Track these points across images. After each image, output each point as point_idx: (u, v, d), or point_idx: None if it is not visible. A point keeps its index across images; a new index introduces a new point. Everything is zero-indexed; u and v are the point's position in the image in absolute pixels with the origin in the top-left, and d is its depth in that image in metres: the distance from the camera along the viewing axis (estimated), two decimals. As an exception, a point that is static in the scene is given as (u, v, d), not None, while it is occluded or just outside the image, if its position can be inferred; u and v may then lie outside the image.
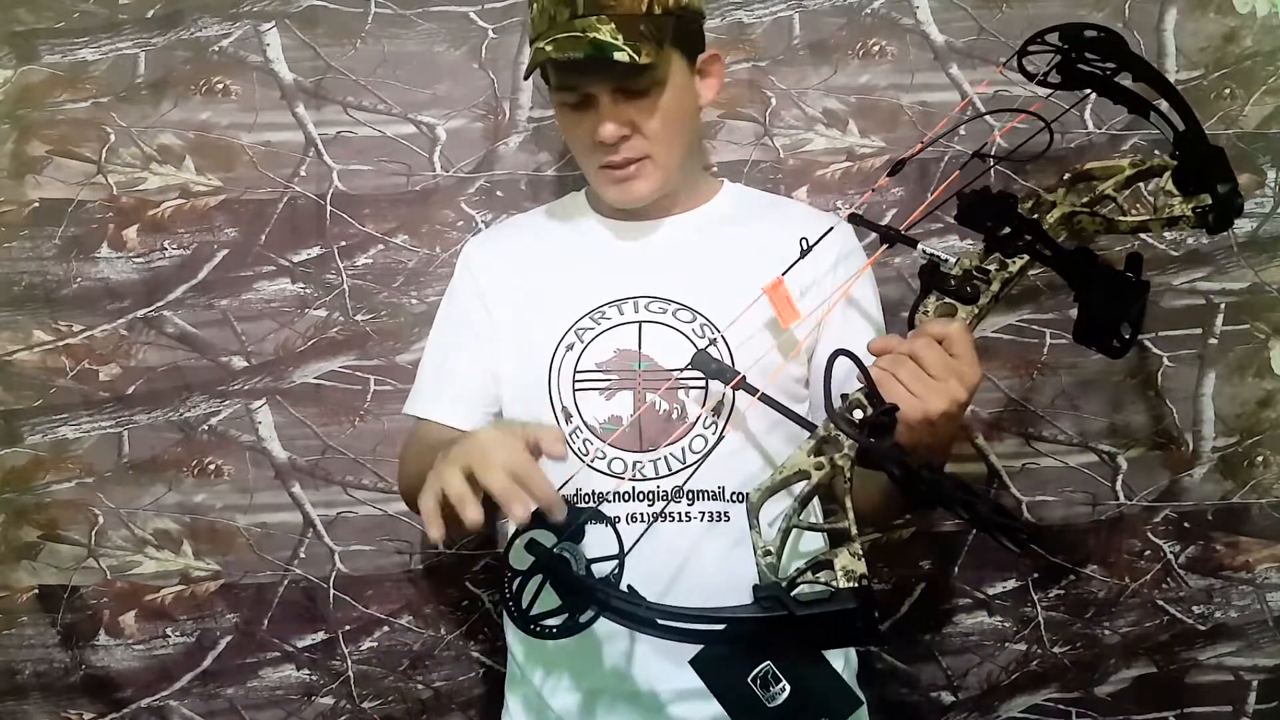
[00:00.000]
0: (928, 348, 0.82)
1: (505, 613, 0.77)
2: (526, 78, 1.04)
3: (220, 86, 1.41)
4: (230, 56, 1.41)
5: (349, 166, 1.41)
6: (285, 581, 1.42)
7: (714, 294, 1.05)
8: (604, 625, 1.01)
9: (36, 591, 1.42)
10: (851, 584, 0.71)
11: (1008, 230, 0.82)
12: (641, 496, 1.01)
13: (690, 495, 1.01)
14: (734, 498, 1.02)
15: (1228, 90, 1.41)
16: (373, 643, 1.42)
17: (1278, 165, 1.42)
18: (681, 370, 1.01)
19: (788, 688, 0.72)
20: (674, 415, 1.02)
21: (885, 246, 0.90)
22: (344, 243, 1.41)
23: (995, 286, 0.84)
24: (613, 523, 0.82)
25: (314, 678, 1.43)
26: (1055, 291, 1.41)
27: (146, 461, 1.41)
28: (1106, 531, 1.43)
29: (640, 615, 0.72)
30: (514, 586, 0.76)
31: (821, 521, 0.99)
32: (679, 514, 1.01)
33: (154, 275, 1.41)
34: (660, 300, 1.06)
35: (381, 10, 1.40)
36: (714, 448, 1.02)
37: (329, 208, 1.41)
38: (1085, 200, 0.88)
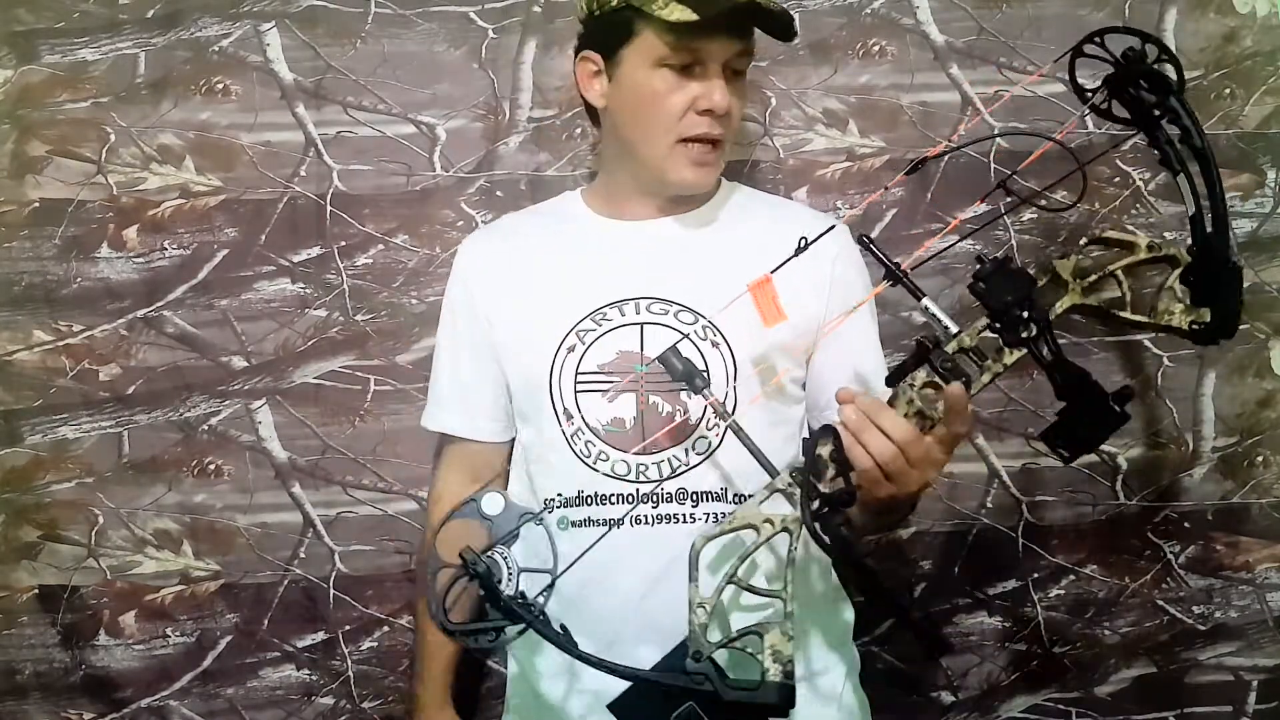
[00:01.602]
0: (912, 443, 0.80)
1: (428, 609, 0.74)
2: (695, 14, 0.94)
3: (220, 86, 1.41)
4: (230, 56, 1.41)
5: (349, 166, 1.41)
6: (285, 581, 1.42)
7: (716, 295, 1.05)
8: (601, 619, 1.02)
9: (36, 591, 1.42)
10: (778, 669, 0.72)
11: (1018, 314, 0.79)
12: (644, 498, 1.01)
13: (694, 497, 1.01)
14: (737, 498, 1.02)
15: (1228, 90, 1.41)
16: (373, 643, 1.42)
17: (1278, 165, 1.42)
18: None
19: None
20: (676, 417, 1.02)
21: (887, 284, 0.84)
22: (344, 243, 1.41)
23: (985, 378, 0.81)
24: (551, 536, 0.80)
25: (314, 678, 1.43)
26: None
27: (146, 461, 1.41)
28: (1106, 531, 1.43)
29: (566, 648, 0.74)
30: (437, 586, 0.74)
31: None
32: (683, 515, 1.01)
33: (154, 275, 1.41)
34: (662, 302, 1.06)
35: (381, 10, 1.40)
36: (716, 449, 1.02)
37: (329, 208, 1.41)
38: (1092, 281, 0.85)
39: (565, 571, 0.78)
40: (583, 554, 0.80)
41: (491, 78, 1.41)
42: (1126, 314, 0.85)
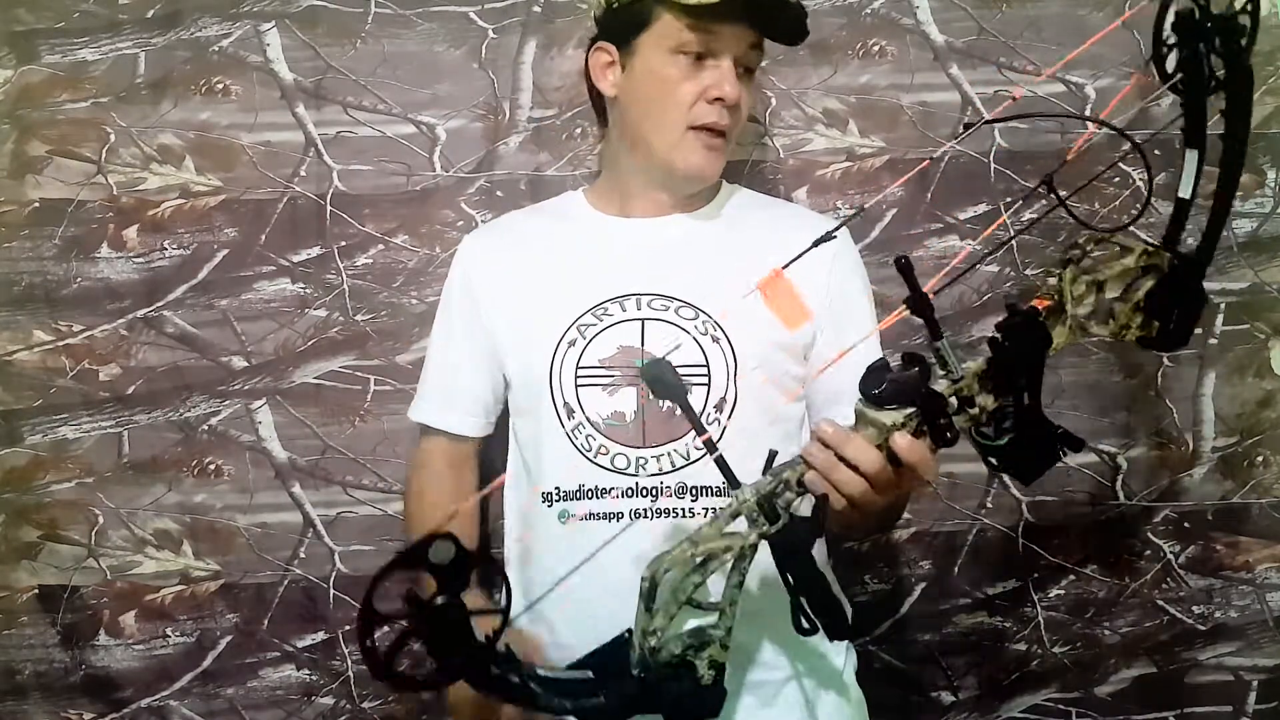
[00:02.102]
0: (880, 471, 0.77)
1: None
2: (713, 3, 0.98)
3: (220, 86, 1.41)
4: (230, 56, 1.41)
5: (349, 166, 1.41)
6: (285, 581, 1.41)
7: (716, 292, 1.05)
8: (605, 624, 1.02)
9: (36, 591, 1.42)
10: (711, 674, 0.73)
11: (1022, 373, 0.75)
12: (645, 492, 1.02)
13: (694, 491, 1.02)
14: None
15: (1228, 90, 1.41)
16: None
17: (1278, 165, 1.42)
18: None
19: None
20: (677, 412, 1.02)
21: (904, 310, 0.75)
22: (344, 243, 1.41)
23: (964, 422, 0.78)
24: (505, 581, 0.74)
25: (314, 678, 1.42)
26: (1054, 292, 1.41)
27: (146, 461, 1.41)
28: (1106, 531, 1.43)
29: (519, 688, 0.69)
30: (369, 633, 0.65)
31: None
32: (683, 510, 1.02)
33: (154, 275, 1.40)
34: (663, 297, 1.07)
35: (381, 10, 1.40)
36: (716, 444, 1.03)
37: (329, 208, 1.41)
38: (1086, 315, 0.81)
39: (528, 610, 0.79)
40: (575, 568, 0.79)
41: (491, 78, 1.41)
42: (1093, 327, 0.81)
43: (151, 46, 1.40)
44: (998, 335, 0.74)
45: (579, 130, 1.41)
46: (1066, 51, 1.39)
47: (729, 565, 0.74)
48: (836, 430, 0.76)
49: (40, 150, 1.40)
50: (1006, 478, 1.42)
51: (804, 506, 0.78)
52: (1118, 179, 1.41)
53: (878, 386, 0.75)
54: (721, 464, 0.78)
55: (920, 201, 1.40)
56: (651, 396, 0.83)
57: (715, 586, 0.74)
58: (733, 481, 0.77)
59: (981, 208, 1.40)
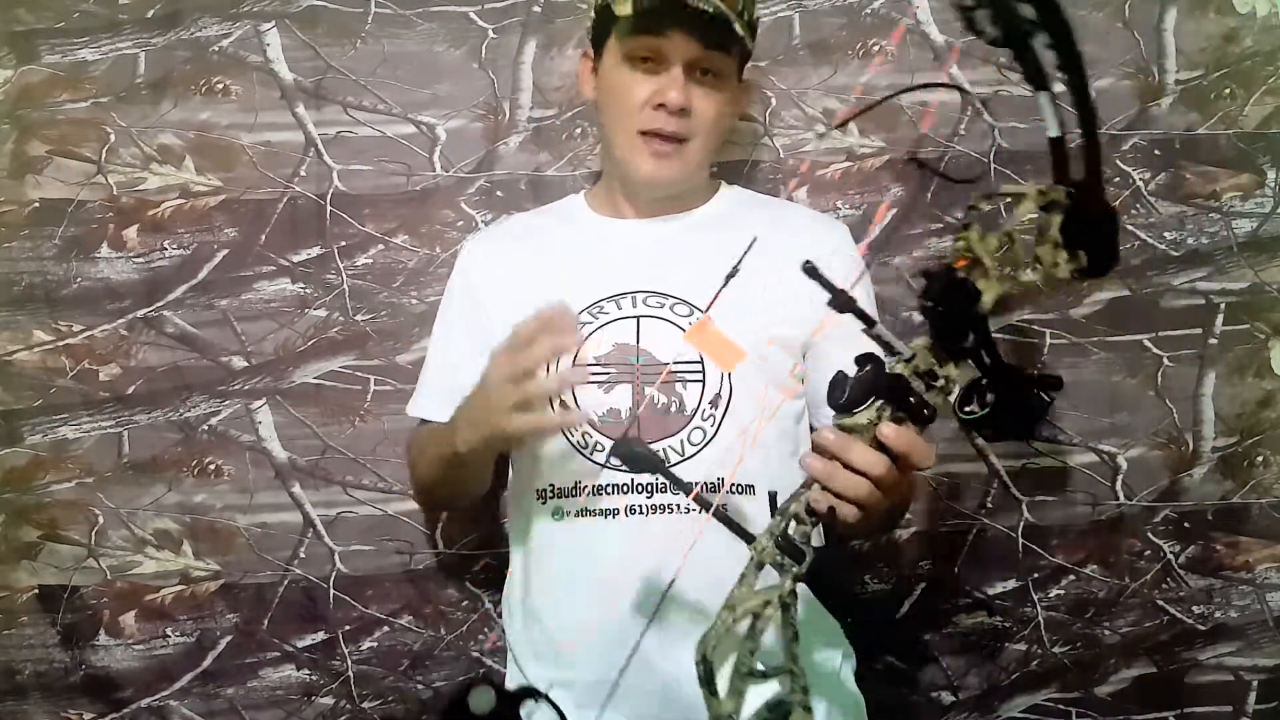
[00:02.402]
0: (885, 473, 0.76)
1: None
2: (635, 11, 1.00)
3: (220, 86, 1.41)
4: (230, 56, 1.41)
5: (349, 166, 1.41)
6: (285, 581, 1.41)
7: (712, 290, 1.05)
8: (606, 624, 1.02)
9: (36, 591, 1.42)
10: None
11: (965, 331, 0.75)
12: (640, 489, 1.02)
13: (688, 488, 1.02)
14: (732, 489, 1.02)
15: (1228, 90, 1.41)
16: (373, 643, 1.42)
17: (1278, 165, 1.42)
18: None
19: None
20: (672, 408, 1.03)
21: (836, 312, 0.76)
22: (344, 243, 1.41)
23: (938, 399, 0.76)
24: (556, 707, 0.74)
25: (314, 678, 1.42)
26: (1055, 292, 1.41)
27: (146, 461, 1.41)
28: (1106, 531, 1.43)
29: None
30: None
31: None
32: (677, 505, 1.02)
33: (154, 275, 1.41)
34: (658, 295, 1.07)
35: (381, 10, 1.40)
36: (711, 439, 1.03)
37: (329, 208, 1.41)
38: (998, 247, 0.82)
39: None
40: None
41: (491, 78, 1.41)
42: (1024, 276, 0.78)
43: (151, 46, 1.40)
44: (927, 303, 0.74)
45: (579, 130, 1.41)
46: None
47: (775, 620, 0.73)
48: (839, 437, 0.76)
49: (40, 150, 1.40)
50: (1007, 479, 1.42)
51: (818, 535, 0.77)
52: (1118, 178, 1.41)
53: (841, 395, 0.75)
54: (726, 520, 0.76)
55: (920, 202, 1.41)
56: (630, 470, 0.81)
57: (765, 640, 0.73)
58: (744, 534, 0.76)
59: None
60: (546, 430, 0.92)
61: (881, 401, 0.75)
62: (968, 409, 0.76)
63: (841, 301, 0.73)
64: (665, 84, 1.04)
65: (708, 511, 0.76)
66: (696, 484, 1.00)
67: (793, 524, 0.75)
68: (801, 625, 1.07)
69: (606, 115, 1.12)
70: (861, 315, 0.74)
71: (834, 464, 0.75)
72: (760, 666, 0.71)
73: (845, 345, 1.06)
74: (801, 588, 0.74)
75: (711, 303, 0.84)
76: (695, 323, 0.86)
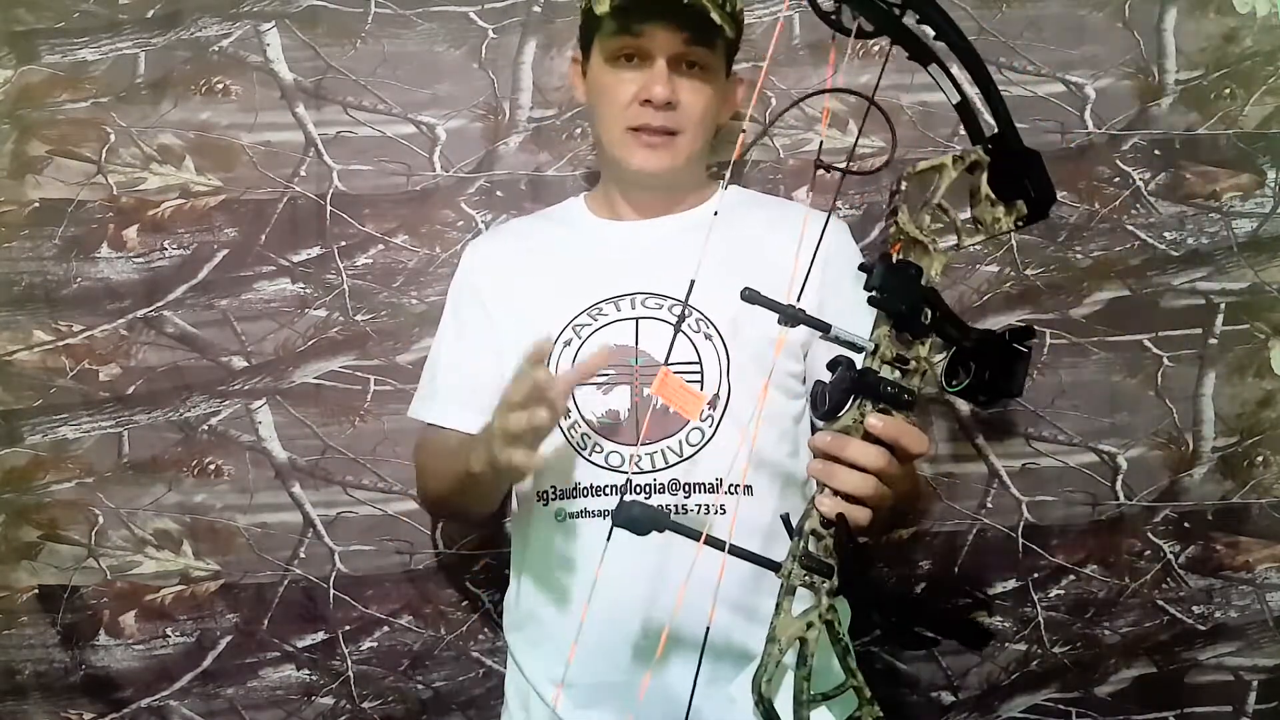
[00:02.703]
0: (885, 466, 0.76)
1: None
2: (611, 8, 1.02)
3: (220, 86, 1.41)
4: (230, 56, 1.41)
5: (349, 166, 1.41)
6: (285, 581, 1.41)
7: (711, 291, 1.05)
8: (606, 623, 1.02)
9: (36, 591, 1.42)
10: None
11: (918, 310, 0.77)
12: (638, 490, 1.02)
13: (687, 488, 1.02)
14: (731, 489, 1.02)
15: (1228, 90, 1.41)
16: (373, 643, 1.42)
17: (1278, 165, 1.42)
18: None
19: None
20: (670, 409, 1.03)
21: (786, 324, 0.78)
22: (344, 243, 1.41)
23: (917, 381, 0.78)
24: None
25: (314, 678, 1.42)
26: (1055, 291, 1.41)
27: (146, 461, 1.41)
28: (1106, 531, 1.43)
29: None
30: None
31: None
32: (676, 506, 1.02)
33: (154, 275, 1.41)
34: (656, 296, 1.08)
35: (381, 10, 1.40)
36: (710, 440, 1.03)
37: (329, 208, 1.41)
38: (934, 227, 0.83)
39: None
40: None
41: (491, 78, 1.41)
42: (967, 239, 0.82)
43: (151, 46, 1.40)
44: (872, 292, 0.76)
45: (579, 130, 1.41)
46: (1066, 51, 1.40)
47: (822, 641, 0.74)
48: (834, 438, 0.76)
49: (40, 150, 1.40)
50: (1007, 479, 1.42)
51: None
52: (1118, 179, 1.41)
53: (824, 404, 0.77)
54: (745, 554, 0.76)
55: (918, 201, 1.40)
56: (635, 533, 0.82)
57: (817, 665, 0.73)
58: (768, 564, 0.76)
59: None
60: (527, 466, 0.91)
61: (860, 398, 0.77)
62: (954, 383, 0.77)
63: (790, 316, 0.75)
64: (650, 79, 1.05)
65: (721, 549, 0.76)
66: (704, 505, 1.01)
67: (812, 541, 0.76)
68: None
69: (597, 115, 1.13)
70: (814, 323, 0.76)
71: (833, 464, 0.75)
72: (820, 692, 0.72)
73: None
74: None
75: (674, 337, 0.90)
76: (657, 376, 0.86)
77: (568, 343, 1.07)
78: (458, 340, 1.19)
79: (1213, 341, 1.42)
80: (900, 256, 0.80)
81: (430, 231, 1.41)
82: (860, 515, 0.76)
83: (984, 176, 0.81)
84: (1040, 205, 0.79)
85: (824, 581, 0.74)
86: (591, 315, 1.08)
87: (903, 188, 0.84)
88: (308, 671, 1.42)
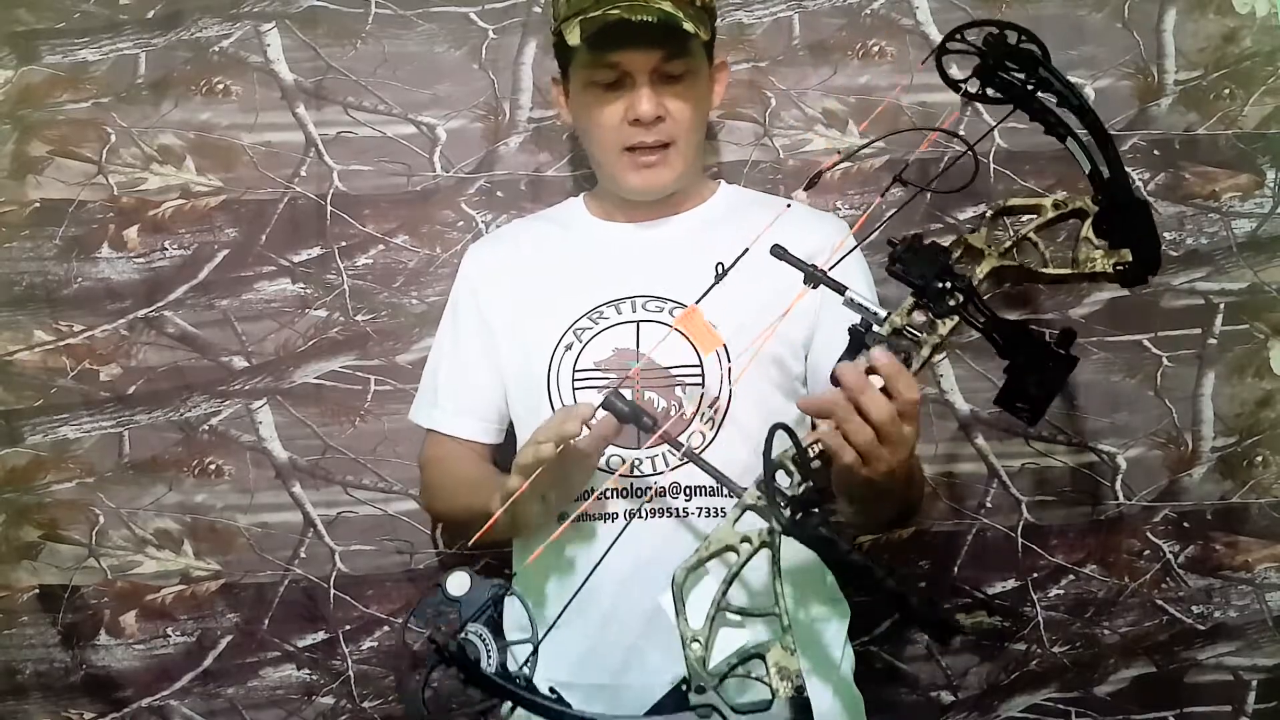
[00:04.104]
0: (888, 421, 0.78)
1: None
2: (583, 39, 1.00)
3: (221, 87, 1.41)
4: (231, 57, 1.41)
5: (349, 167, 1.41)
6: (285, 581, 1.42)
7: (711, 292, 1.05)
8: (603, 620, 1.02)
9: (37, 591, 1.42)
10: (788, 685, 0.69)
11: (940, 286, 0.79)
12: (639, 493, 1.02)
13: (687, 490, 1.02)
14: (730, 493, 1.02)
15: (1227, 90, 1.41)
16: (373, 642, 1.42)
17: (1277, 165, 1.42)
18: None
19: None
20: (671, 412, 1.03)
21: (810, 287, 0.83)
22: (344, 243, 1.41)
23: (926, 351, 0.80)
24: (525, 605, 0.76)
25: (314, 677, 1.42)
26: (1055, 292, 1.41)
27: (147, 461, 1.41)
28: (1106, 531, 1.43)
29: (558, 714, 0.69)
30: (411, 684, 0.69)
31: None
32: (677, 509, 1.02)
33: (154, 275, 1.41)
34: (657, 299, 1.07)
35: (382, 11, 1.40)
36: (710, 444, 1.03)
37: (329, 208, 1.41)
38: (1007, 246, 0.86)
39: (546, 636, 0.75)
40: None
41: (491, 78, 1.41)
42: (1049, 270, 0.86)
43: (152, 47, 1.41)
44: (894, 266, 0.80)
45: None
46: (1065, 52, 1.40)
47: (749, 561, 0.75)
48: (859, 376, 0.77)
49: (41, 150, 1.40)
50: (1007, 479, 1.42)
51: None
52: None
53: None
54: (709, 469, 0.80)
55: (920, 202, 1.41)
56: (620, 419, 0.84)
57: (751, 584, 0.74)
58: (730, 485, 0.78)
59: (980, 208, 1.40)
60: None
61: (861, 356, 0.80)
62: (1019, 405, 0.80)
63: (813, 275, 0.80)
64: (634, 100, 1.04)
65: (690, 459, 0.81)
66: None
67: (780, 473, 0.77)
68: (801, 625, 1.08)
69: (587, 139, 1.13)
70: (834, 285, 0.79)
71: (851, 406, 0.77)
72: (740, 608, 0.73)
73: (843, 341, 1.06)
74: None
75: (700, 299, 0.88)
76: (685, 311, 0.90)
77: (568, 346, 1.06)
78: (457, 346, 1.19)
79: (1212, 341, 1.42)
80: (955, 255, 0.83)
81: (430, 232, 1.41)
82: (848, 457, 0.78)
83: (1088, 223, 0.84)
84: (1147, 258, 0.82)
85: (777, 510, 0.74)
86: (592, 319, 1.07)
87: (986, 215, 0.88)
88: (308, 671, 1.42)
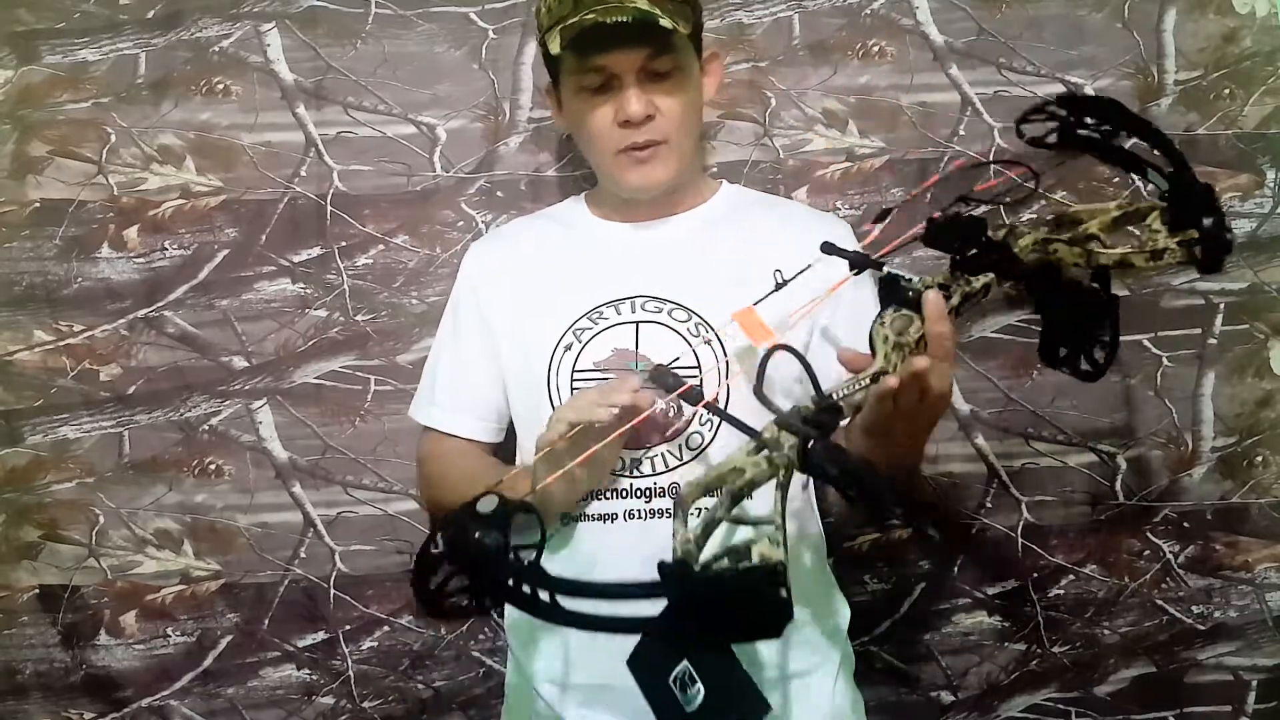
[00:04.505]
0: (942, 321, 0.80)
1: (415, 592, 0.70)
2: (563, 48, 1.00)
3: (221, 87, 1.41)
4: (231, 57, 1.41)
5: (349, 167, 1.41)
6: (285, 581, 1.42)
7: (710, 293, 1.06)
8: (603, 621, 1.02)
9: (37, 591, 1.42)
10: (765, 572, 0.64)
11: (974, 251, 0.80)
12: (638, 493, 1.02)
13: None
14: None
15: (1227, 90, 1.41)
16: (373, 642, 1.42)
17: (1277, 165, 1.42)
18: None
19: (703, 690, 0.70)
20: (670, 413, 1.03)
21: (855, 272, 0.87)
22: (344, 243, 1.41)
23: (955, 299, 0.82)
24: (539, 517, 0.75)
25: (314, 677, 1.43)
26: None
27: (147, 461, 1.41)
28: (1106, 531, 1.43)
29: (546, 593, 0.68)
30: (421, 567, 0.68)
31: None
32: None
33: (154, 275, 1.41)
34: (656, 300, 1.07)
35: (382, 11, 1.40)
36: (709, 444, 1.03)
37: (329, 208, 1.41)
38: (1068, 236, 0.85)
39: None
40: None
41: (491, 78, 1.41)
42: (1108, 250, 0.83)
43: (152, 47, 1.41)
44: (930, 233, 0.83)
45: (579, 130, 1.41)
46: (1065, 52, 1.40)
47: (755, 481, 0.74)
48: (940, 302, 0.80)
49: (41, 150, 1.40)
50: (1007, 479, 1.42)
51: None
52: (1117, 179, 1.41)
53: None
54: (726, 416, 0.82)
55: (920, 201, 1.40)
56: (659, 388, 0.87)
57: (754, 507, 0.72)
58: (748, 430, 0.78)
59: (981, 208, 1.40)
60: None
61: (889, 308, 0.83)
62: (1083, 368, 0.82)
63: (861, 261, 0.84)
64: (622, 101, 1.03)
65: (716, 414, 0.82)
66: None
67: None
68: (801, 625, 1.07)
69: (582, 143, 1.13)
70: (875, 264, 0.84)
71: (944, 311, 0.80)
72: (735, 514, 0.72)
73: (847, 341, 1.07)
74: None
75: (759, 301, 0.90)
76: (742, 309, 0.90)
77: (568, 347, 1.06)
78: (457, 344, 1.19)
79: (1212, 341, 1.42)
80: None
81: (430, 232, 1.41)
82: (895, 382, 0.79)
83: (1156, 213, 0.83)
84: (1214, 237, 0.80)
85: (788, 442, 0.74)
86: (592, 319, 1.07)
87: (1048, 218, 0.87)
88: (308, 671, 1.42)
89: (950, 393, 0.82)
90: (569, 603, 0.69)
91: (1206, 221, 0.80)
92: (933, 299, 0.81)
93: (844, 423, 0.82)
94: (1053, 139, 0.86)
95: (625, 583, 0.68)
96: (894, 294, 0.83)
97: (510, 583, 0.66)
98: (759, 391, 0.76)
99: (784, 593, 0.62)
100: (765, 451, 0.74)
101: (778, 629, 0.61)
